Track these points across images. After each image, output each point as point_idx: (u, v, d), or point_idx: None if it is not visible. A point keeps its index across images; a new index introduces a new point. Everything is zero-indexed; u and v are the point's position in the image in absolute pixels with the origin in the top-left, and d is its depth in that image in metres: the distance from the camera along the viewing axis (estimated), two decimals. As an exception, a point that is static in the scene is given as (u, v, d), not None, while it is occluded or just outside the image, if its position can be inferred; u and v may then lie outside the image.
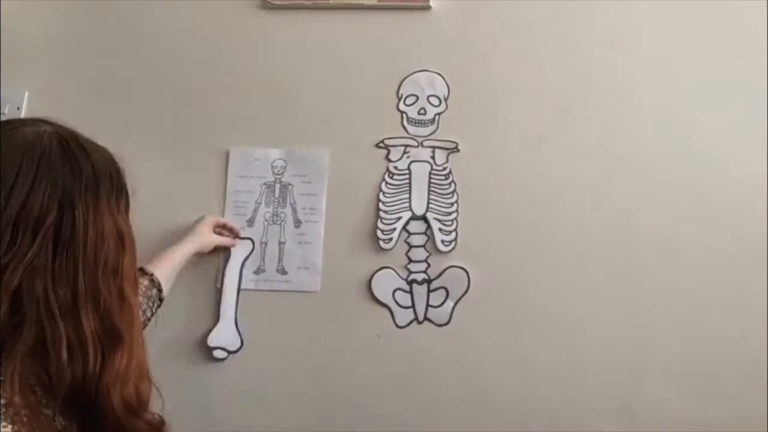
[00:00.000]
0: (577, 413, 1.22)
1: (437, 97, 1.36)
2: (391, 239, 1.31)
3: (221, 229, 1.33)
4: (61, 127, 0.73)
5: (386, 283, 1.30)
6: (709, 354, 1.21)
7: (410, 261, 1.30)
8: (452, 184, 1.32)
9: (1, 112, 1.45)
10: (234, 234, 1.34)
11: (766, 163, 1.26)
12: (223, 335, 1.29)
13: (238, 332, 1.29)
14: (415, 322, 1.29)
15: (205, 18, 1.46)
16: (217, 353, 1.28)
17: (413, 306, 1.29)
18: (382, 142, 1.35)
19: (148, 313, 1.11)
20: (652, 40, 1.34)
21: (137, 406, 0.69)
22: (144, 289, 1.11)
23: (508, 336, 1.26)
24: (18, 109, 1.45)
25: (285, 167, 1.37)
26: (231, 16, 1.45)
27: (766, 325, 1.20)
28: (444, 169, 1.33)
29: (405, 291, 1.30)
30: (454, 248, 1.30)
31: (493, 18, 1.38)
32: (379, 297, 1.29)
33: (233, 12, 1.45)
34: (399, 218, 1.32)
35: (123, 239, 0.72)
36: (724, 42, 1.32)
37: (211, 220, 1.31)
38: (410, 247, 1.31)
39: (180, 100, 1.43)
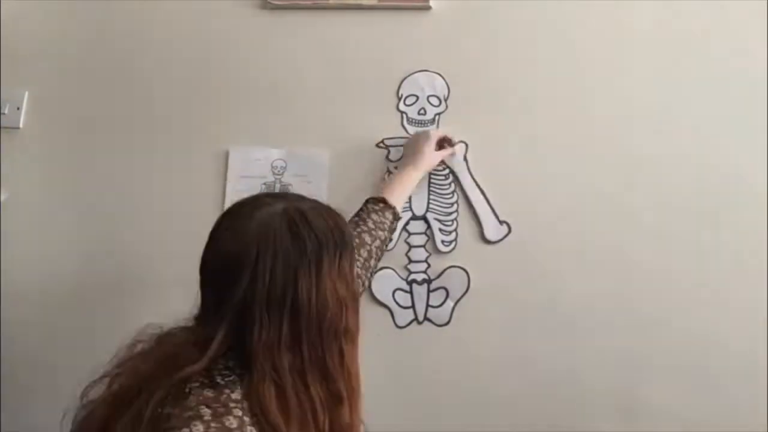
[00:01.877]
0: (577, 413, 1.22)
1: (437, 97, 1.36)
2: (391, 240, 1.31)
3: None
4: (289, 202, 0.82)
5: (386, 283, 1.30)
6: (709, 354, 1.21)
7: (410, 261, 1.30)
8: (452, 184, 1.32)
9: (1, 112, 1.45)
10: (451, 143, 1.32)
11: (766, 163, 1.26)
12: None
13: None
14: (415, 322, 1.29)
15: (205, 18, 1.46)
16: None
17: (413, 306, 1.29)
18: (382, 142, 1.35)
19: (388, 241, 1.18)
20: (652, 40, 1.33)
21: None
22: (389, 223, 1.16)
23: (508, 336, 1.26)
24: (18, 109, 1.46)
25: (285, 167, 1.37)
26: (231, 16, 1.45)
27: (766, 325, 1.20)
28: (444, 169, 1.33)
29: (405, 291, 1.30)
30: (454, 248, 1.30)
31: (493, 18, 1.38)
32: (379, 297, 1.29)
33: (233, 12, 1.45)
34: (399, 218, 1.32)
35: (344, 302, 0.80)
36: (724, 42, 1.31)
37: (435, 139, 1.27)
38: (410, 247, 1.31)
39: (180, 100, 1.43)
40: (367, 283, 1.10)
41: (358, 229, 1.11)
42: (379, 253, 1.14)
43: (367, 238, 1.10)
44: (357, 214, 1.16)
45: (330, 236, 0.79)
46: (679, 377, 1.21)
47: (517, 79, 1.35)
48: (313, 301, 0.75)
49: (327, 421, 0.75)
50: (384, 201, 1.17)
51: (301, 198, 0.84)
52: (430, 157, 1.27)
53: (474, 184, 1.31)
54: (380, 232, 1.13)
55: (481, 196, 1.31)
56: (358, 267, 1.06)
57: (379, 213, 1.16)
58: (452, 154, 1.31)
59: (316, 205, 0.84)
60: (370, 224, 1.13)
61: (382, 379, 1.27)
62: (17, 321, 1.36)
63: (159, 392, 0.70)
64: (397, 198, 1.20)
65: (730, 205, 1.25)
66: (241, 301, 0.74)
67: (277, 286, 0.74)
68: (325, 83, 1.40)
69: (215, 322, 0.75)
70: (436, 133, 1.28)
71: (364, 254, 1.09)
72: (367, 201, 1.18)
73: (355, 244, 1.02)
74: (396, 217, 1.18)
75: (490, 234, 1.29)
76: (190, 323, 0.81)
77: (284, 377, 0.73)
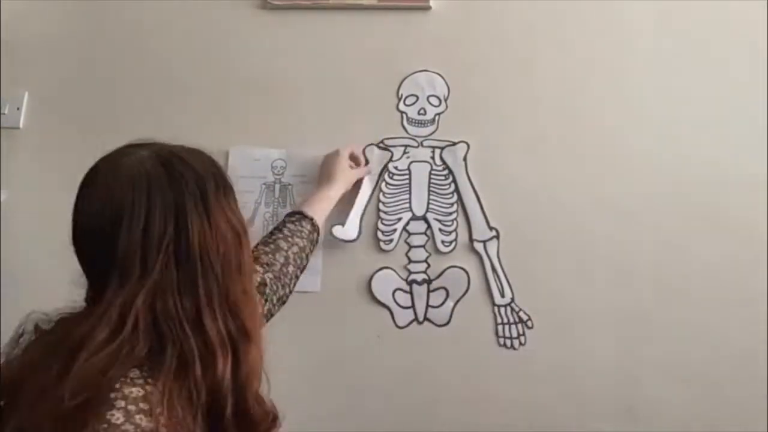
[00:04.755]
0: (577, 413, 1.22)
1: (437, 97, 1.36)
2: (391, 240, 1.31)
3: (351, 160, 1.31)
4: (156, 146, 0.78)
5: (386, 284, 1.30)
6: (709, 354, 1.21)
7: (410, 261, 1.30)
8: (452, 185, 1.32)
9: (1, 112, 1.45)
10: (363, 162, 1.33)
11: (766, 163, 1.26)
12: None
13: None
14: (415, 322, 1.29)
15: (205, 18, 1.46)
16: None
17: (413, 306, 1.29)
18: (382, 142, 1.35)
19: (307, 261, 1.12)
20: (652, 40, 1.33)
21: (262, 397, 0.75)
22: (307, 232, 1.13)
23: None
24: (18, 109, 1.45)
25: (285, 167, 1.37)
26: (231, 16, 1.45)
27: (766, 325, 1.20)
28: (444, 169, 1.33)
29: (405, 291, 1.30)
30: (454, 248, 1.30)
31: (493, 18, 1.38)
32: (379, 297, 1.29)
33: (233, 12, 1.45)
34: (399, 219, 1.32)
35: (239, 235, 0.75)
36: (724, 42, 1.31)
37: (345, 158, 1.28)
38: (410, 247, 1.31)
39: (180, 100, 1.43)
40: (288, 290, 1.06)
41: (273, 237, 1.08)
42: (299, 261, 1.09)
43: (283, 244, 1.07)
44: (274, 228, 1.13)
45: (210, 172, 0.76)
46: (679, 377, 1.21)
47: (517, 79, 1.35)
48: (208, 237, 0.71)
49: (230, 362, 0.69)
50: (300, 212, 1.15)
51: (165, 144, 0.80)
52: (343, 177, 1.26)
53: (469, 185, 1.31)
54: (297, 239, 1.10)
55: (474, 198, 1.31)
56: (274, 271, 1.02)
57: (296, 223, 1.13)
58: (367, 173, 1.32)
59: (184, 146, 0.80)
60: (286, 231, 1.10)
61: (382, 378, 1.27)
62: (17, 320, 1.35)
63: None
64: (315, 211, 1.17)
65: (730, 205, 1.25)
66: (126, 256, 0.68)
67: (159, 229, 0.69)
68: (325, 83, 1.40)
69: (109, 292, 0.68)
70: (345, 152, 1.28)
71: (281, 259, 1.05)
72: (284, 217, 1.16)
73: (270, 249, 1.04)
74: (315, 228, 1.15)
75: (477, 235, 1.29)
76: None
77: (175, 328, 0.67)
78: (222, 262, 0.71)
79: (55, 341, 0.69)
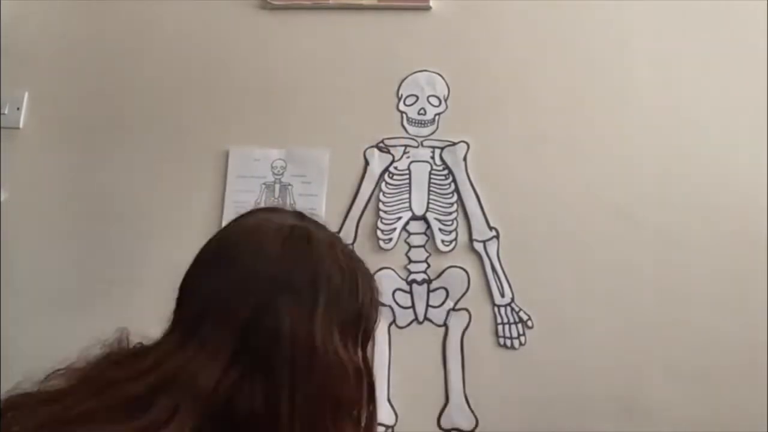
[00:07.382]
0: (577, 413, 1.22)
1: (437, 97, 1.36)
2: (391, 239, 1.31)
3: None
4: (346, 249, 0.70)
5: (386, 284, 1.29)
6: (709, 354, 1.21)
7: (410, 261, 1.30)
8: (452, 184, 1.32)
9: (1, 112, 1.45)
10: None
11: (766, 163, 1.26)
12: None
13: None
14: (415, 322, 1.29)
15: (205, 18, 1.46)
16: None
17: (413, 306, 1.29)
18: (382, 142, 1.35)
19: None
20: (652, 40, 1.33)
21: None
22: None
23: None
24: (18, 109, 1.46)
25: (285, 167, 1.37)
26: (231, 16, 1.45)
27: (766, 325, 1.20)
28: (444, 168, 1.33)
29: (405, 291, 1.29)
30: (454, 248, 1.30)
31: (493, 18, 1.38)
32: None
33: (233, 12, 1.45)
34: (399, 218, 1.32)
35: (348, 370, 0.61)
36: (724, 42, 1.31)
37: None
38: (410, 247, 1.31)
39: (180, 100, 1.43)
40: None
41: None
42: None
43: None
44: None
45: (374, 306, 0.69)
46: (679, 377, 1.21)
47: (518, 79, 1.35)
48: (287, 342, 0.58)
49: None
50: None
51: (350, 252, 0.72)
52: None
53: (469, 185, 1.31)
54: None
55: (474, 198, 1.31)
56: None
57: None
58: None
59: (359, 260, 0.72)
60: None
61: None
62: (17, 320, 1.36)
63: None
64: None
65: (729, 205, 1.25)
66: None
67: (234, 297, 0.60)
68: (325, 83, 1.40)
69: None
70: None
71: None
72: None
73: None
74: None
75: (477, 235, 1.29)
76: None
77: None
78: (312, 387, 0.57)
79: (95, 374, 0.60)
